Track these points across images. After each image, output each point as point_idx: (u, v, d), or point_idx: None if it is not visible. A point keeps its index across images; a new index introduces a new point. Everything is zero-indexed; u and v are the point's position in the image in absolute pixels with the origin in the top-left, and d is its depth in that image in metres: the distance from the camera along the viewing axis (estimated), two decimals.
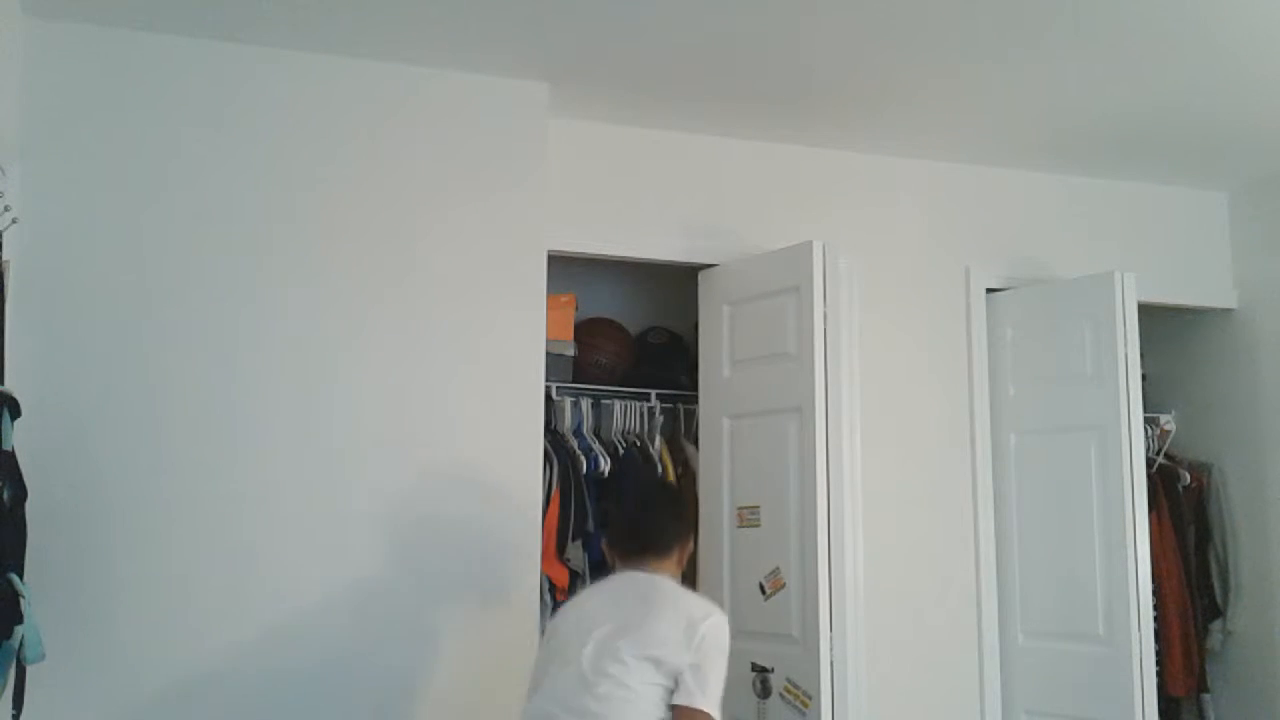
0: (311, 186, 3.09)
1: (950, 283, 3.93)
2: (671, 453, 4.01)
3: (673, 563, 2.62)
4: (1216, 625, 4.24)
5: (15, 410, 2.40)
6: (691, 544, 2.71)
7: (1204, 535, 4.30)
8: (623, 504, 2.59)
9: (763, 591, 3.28)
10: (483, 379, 3.15)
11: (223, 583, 2.89)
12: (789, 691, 3.11)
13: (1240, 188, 4.28)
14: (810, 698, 3.04)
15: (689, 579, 3.62)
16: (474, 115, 3.26)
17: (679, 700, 2.36)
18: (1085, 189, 4.15)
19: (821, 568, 3.10)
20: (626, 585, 2.55)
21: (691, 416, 4.06)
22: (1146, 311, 3.83)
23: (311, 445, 3.00)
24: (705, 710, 2.36)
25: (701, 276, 3.73)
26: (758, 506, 3.36)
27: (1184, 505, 4.25)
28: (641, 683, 2.36)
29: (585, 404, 4.00)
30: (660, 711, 2.36)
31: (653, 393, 4.05)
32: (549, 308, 3.31)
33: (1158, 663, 3.75)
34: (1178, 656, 4.09)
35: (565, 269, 3.60)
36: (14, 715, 2.37)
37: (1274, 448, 4.08)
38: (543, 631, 2.83)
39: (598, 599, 2.59)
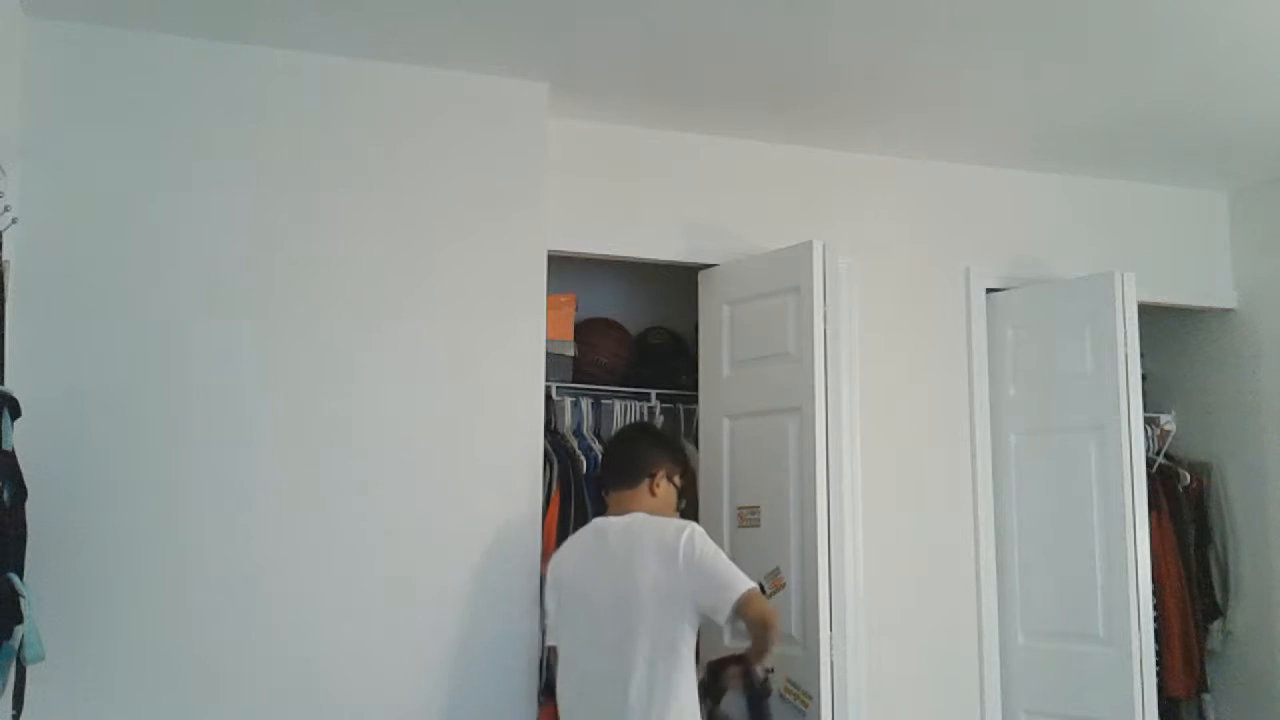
0: (311, 186, 3.09)
1: (950, 283, 3.94)
2: None
3: (643, 492, 2.83)
4: (1216, 625, 4.23)
5: (15, 410, 2.40)
6: (668, 475, 2.88)
7: (1204, 535, 4.30)
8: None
9: (763, 591, 3.27)
10: (483, 379, 3.15)
11: (223, 582, 2.89)
12: (789, 691, 3.11)
13: (1240, 188, 4.28)
14: (810, 697, 3.04)
15: None
16: (474, 115, 3.25)
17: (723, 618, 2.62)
18: (1085, 189, 4.15)
19: (821, 568, 3.10)
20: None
21: (691, 416, 4.06)
22: (1146, 311, 3.83)
23: (312, 444, 3.00)
24: (745, 591, 2.60)
25: (701, 276, 3.73)
26: (758, 507, 3.36)
27: (1184, 505, 4.25)
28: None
29: (585, 404, 4.00)
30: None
31: (653, 393, 4.04)
32: (549, 308, 3.31)
33: (1158, 663, 3.75)
34: (1178, 656, 4.09)
35: (565, 269, 3.60)
36: (14, 715, 2.37)
37: (1274, 448, 4.08)
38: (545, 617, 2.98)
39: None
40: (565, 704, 2.76)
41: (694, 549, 2.63)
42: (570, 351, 3.94)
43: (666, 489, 2.88)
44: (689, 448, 3.97)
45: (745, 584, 2.60)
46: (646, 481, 2.84)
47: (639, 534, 2.70)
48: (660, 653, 2.60)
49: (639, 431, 3.06)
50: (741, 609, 2.59)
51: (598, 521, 2.86)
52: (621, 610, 2.64)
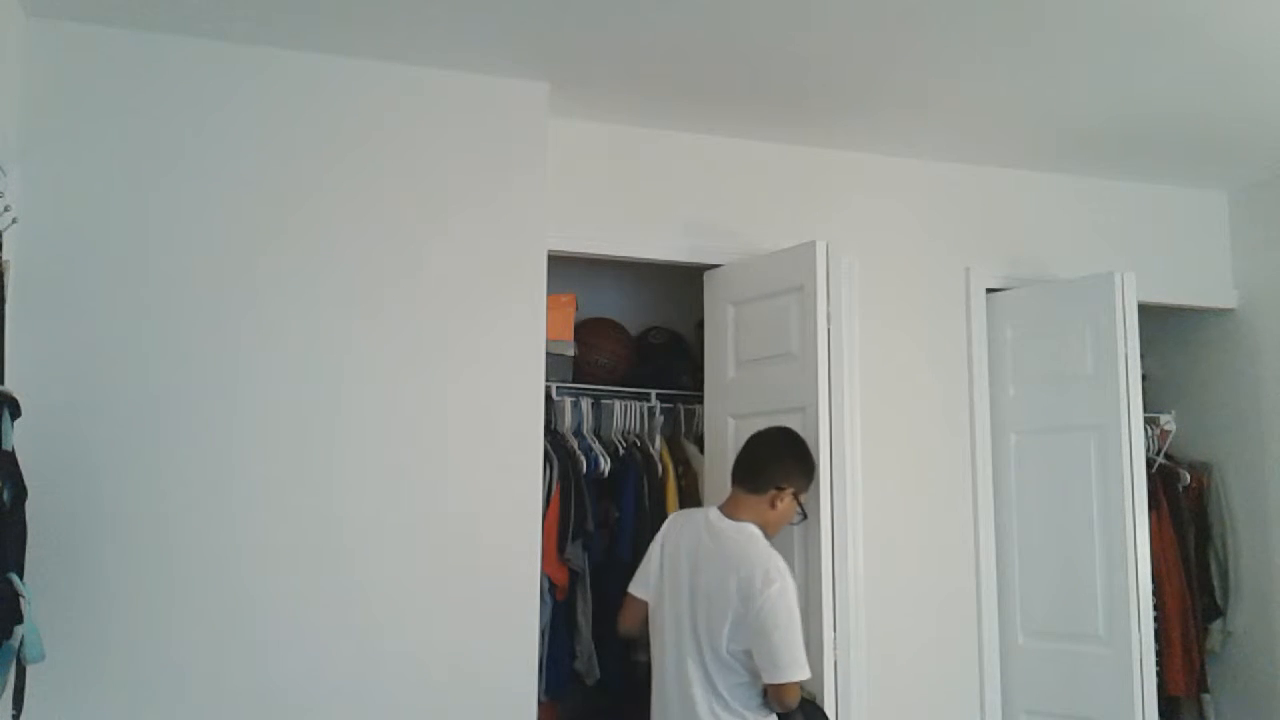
0: (311, 186, 3.09)
1: (950, 283, 3.94)
2: (671, 452, 4.01)
3: (765, 502, 2.86)
4: (1216, 625, 4.24)
5: (15, 410, 2.39)
6: (795, 494, 2.91)
7: (1204, 535, 4.30)
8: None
9: None
10: (483, 379, 3.15)
11: (222, 582, 2.88)
12: None
13: (1240, 188, 4.29)
14: (814, 697, 3.04)
15: None
16: (474, 115, 3.25)
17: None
18: (1085, 189, 4.16)
19: (825, 567, 3.09)
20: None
21: (692, 416, 4.06)
22: (1146, 311, 3.83)
23: (311, 444, 2.99)
24: (775, 684, 2.70)
25: (706, 277, 3.73)
26: None
27: (1184, 505, 4.25)
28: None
29: (585, 404, 4.00)
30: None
31: (653, 393, 4.05)
32: (549, 308, 3.31)
33: (1158, 663, 3.75)
34: (1178, 656, 4.10)
35: (565, 269, 3.60)
36: (14, 715, 2.36)
37: (1274, 448, 4.08)
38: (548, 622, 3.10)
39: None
40: (654, 664, 2.92)
41: (766, 608, 2.66)
42: (570, 351, 3.94)
43: (789, 505, 2.91)
44: (691, 449, 3.98)
45: (789, 672, 2.66)
46: (772, 493, 2.87)
47: (740, 557, 2.75)
48: (728, 672, 2.73)
49: (784, 442, 3.00)
50: (775, 697, 2.72)
51: (713, 514, 2.90)
52: (702, 616, 2.76)
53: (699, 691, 2.74)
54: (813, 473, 3.02)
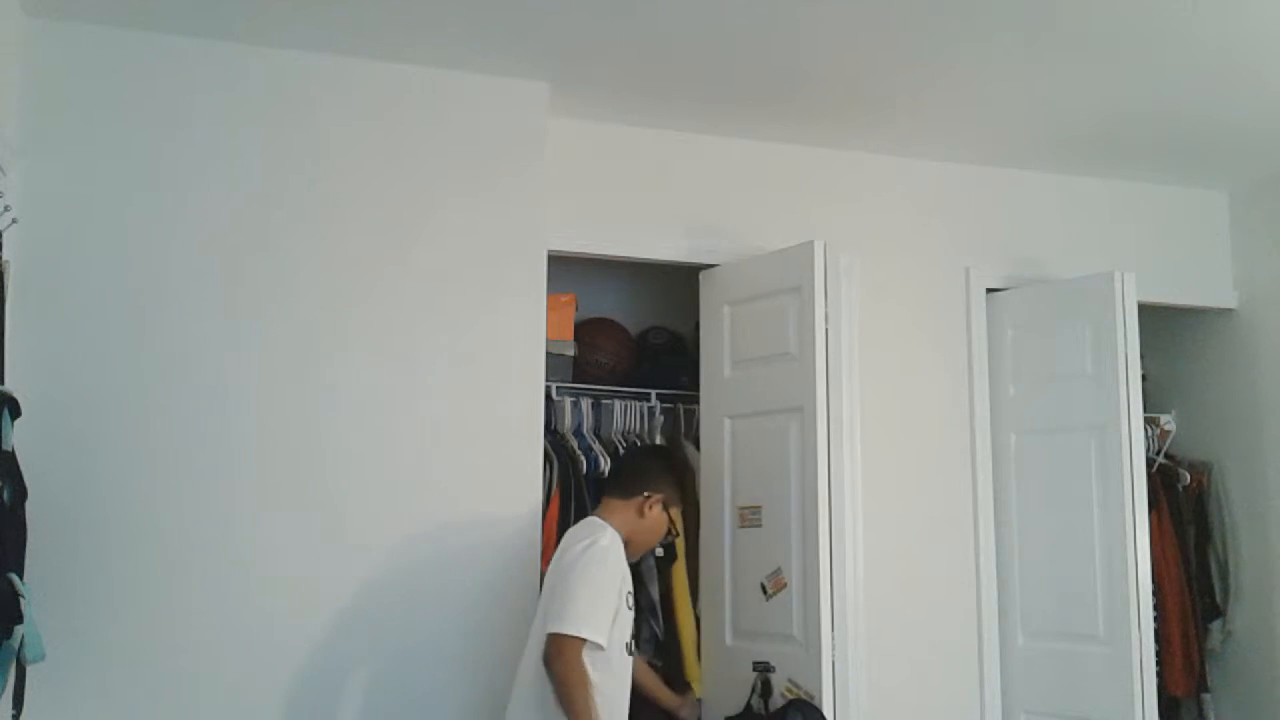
0: (311, 186, 3.09)
1: (950, 283, 3.93)
2: None
3: (633, 508, 2.82)
4: (1216, 625, 4.23)
5: (15, 410, 2.40)
6: (665, 504, 2.86)
7: (1204, 535, 4.29)
8: None
9: (764, 591, 3.27)
10: (483, 379, 3.15)
11: (221, 581, 2.89)
12: (790, 692, 3.11)
13: (1240, 188, 4.28)
14: (812, 697, 3.04)
15: (692, 578, 3.62)
16: (474, 115, 3.25)
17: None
18: (1085, 189, 4.15)
19: (823, 567, 3.09)
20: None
21: (691, 416, 4.05)
22: (1146, 311, 3.83)
23: (310, 444, 3.00)
24: (552, 632, 2.49)
25: (703, 276, 3.72)
26: (759, 507, 3.35)
27: (1184, 505, 4.25)
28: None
29: (585, 404, 3.99)
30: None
31: (653, 393, 4.04)
32: (549, 308, 3.31)
33: (1158, 663, 3.75)
34: (1178, 656, 4.09)
35: (565, 269, 3.60)
36: (14, 715, 2.37)
37: (1274, 448, 4.08)
38: None
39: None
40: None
41: (572, 560, 2.58)
42: (570, 351, 3.94)
43: (658, 516, 2.86)
44: (690, 449, 3.98)
45: (572, 624, 2.47)
46: (639, 500, 2.83)
47: (572, 537, 2.71)
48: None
49: (656, 453, 3.06)
50: (547, 649, 2.49)
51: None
52: (540, 613, 2.66)
53: (512, 709, 2.63)
54: (681, 491, 2.99)
